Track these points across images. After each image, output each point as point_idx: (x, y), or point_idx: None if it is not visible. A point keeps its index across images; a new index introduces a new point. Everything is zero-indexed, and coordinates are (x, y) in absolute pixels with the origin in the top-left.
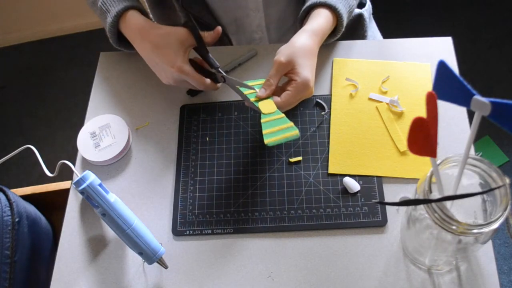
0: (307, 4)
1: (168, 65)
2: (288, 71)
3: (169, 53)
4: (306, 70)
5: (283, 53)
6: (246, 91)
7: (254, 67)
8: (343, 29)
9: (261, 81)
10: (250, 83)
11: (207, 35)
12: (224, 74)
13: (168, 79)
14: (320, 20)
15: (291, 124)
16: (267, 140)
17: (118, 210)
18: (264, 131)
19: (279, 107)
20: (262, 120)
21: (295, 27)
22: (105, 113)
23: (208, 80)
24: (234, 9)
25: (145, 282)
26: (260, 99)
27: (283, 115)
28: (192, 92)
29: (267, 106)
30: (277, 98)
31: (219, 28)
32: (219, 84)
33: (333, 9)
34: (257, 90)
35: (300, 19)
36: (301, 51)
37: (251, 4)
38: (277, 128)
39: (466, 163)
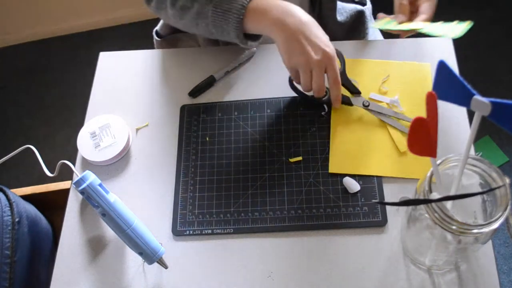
0: None
1: (322, 43)
2: None
3: (321, 32)
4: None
5: None
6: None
7: (254, 67)
8: None
9: (388, 19)
10: (382, 24)
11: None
12: (367, 100)
13: (316, 57)
14: None
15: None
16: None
17: (118, 210)
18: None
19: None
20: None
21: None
22: (105, 113)
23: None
24: None
25: (145, 282)
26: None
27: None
28: (194, 93)
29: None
30: (422, 17)
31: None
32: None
33: None
34: (391, 23)
35: None
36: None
37: None
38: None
39: (466, 163)
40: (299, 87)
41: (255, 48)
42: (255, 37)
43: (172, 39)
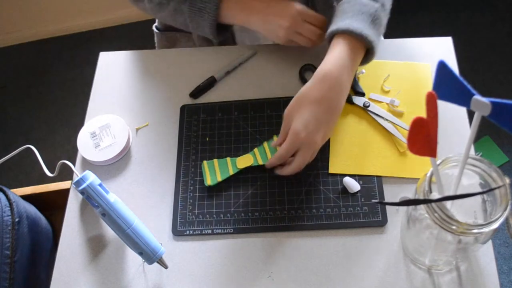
0: (328, 32)
1: (286, 8)
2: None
3: (285, 2)
4: (296, 120)
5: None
6: None
7: (254, 67)
8: (374, 56)
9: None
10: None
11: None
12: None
13: (285, 29)
14: (335, 54)
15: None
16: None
17: (118, 210)
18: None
19: (268, 164)
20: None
21: None
22: (105, 113)
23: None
24: None
25: (145, 282)
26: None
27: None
28: (195, 94)
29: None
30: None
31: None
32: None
33: (355, 35)
34: None
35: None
36: (299, 101)
37: None
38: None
39: (466, 163)
40: None
41: (255, 50)
42: (224, 31)
43: (171, 36)
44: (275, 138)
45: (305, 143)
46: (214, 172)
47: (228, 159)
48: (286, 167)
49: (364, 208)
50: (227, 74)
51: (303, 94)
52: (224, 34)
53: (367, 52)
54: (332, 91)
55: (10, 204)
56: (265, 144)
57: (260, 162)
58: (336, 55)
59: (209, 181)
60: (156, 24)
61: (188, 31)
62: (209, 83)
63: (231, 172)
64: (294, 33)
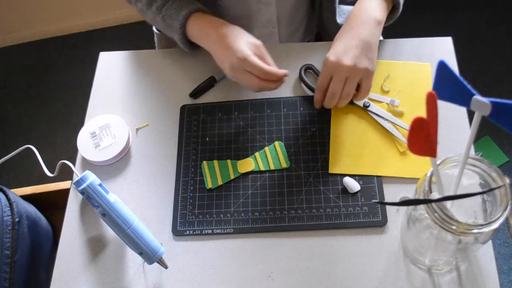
0: None
1: (233, 51)
2: None
3: (237, 40)
4: (333, 49)
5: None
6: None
7: None
8: (399, 13)
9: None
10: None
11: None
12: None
13: (231, 67)
14: (366, 4)
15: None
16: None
17: (118, 210)
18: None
19: (316, 100)
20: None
21: (305, 22)
22: (105, 113)
23: (276, 70)
24: (244, 3)
25: (145, 282)
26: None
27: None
28: (195, 94)
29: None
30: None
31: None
32: (284, 76)
33: None
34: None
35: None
36: (338, 37)
37: None
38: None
39: (466, 163)
40: (309, 83)
41: None
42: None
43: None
44: (276, 144)
45: (342, 68)
46: (215, 174)
47: (229, 161)
48: (340, 100)
49: (364, 208)
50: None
51: (335, 38)
52: (198, 46)
53: (393, 8)
54: (364, 29)
55: (10, 204)
56: (266, 149)
57: (261, 167)
58: (367, 4)
59: (210, 184)
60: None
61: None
62: (209, 83)
63: (232, 176)
64: (235, 77)
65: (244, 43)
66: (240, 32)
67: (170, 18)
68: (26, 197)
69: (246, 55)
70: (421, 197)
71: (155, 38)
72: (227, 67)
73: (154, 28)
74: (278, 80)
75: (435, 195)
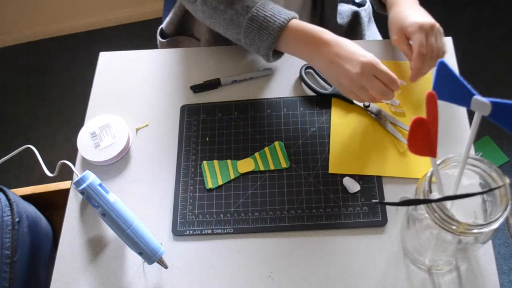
0: None
1: (357, 56)
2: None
3: (358, 47)
4: (409, 18)
5: (392, 32)
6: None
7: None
8: None
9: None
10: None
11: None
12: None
13: (350, 78)
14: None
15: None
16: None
17: (118, 210)
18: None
19: (414, 72)
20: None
21: (310, 18)
22: (105, 113)
23: (397, 78)
24: None
25: (145, 282)
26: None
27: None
28: (196, 89)
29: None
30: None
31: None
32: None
33: None
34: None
35: None
36: (399, 17)
37: None
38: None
39: (466, 163)
40: (310, 83)
41: (271, 69)
42: (280, 54)
43: (174, 41)
44: (276, 144)
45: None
46: (215, 174)
47: (229, 161)
48: (435, 59)
49: (364, 208)
50: (234, 83)
51: (397, 12)
52: (278, 56)
53: None
54: (414, 1)
55: (10, 204)
56: (266, 149)
57: (261, 167)
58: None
59: (210, 184)
60: (163, 25)
61: (237, 44)
62: (213, 84)
63: (232, 177)
64: (358, 86)
65: (357, 46)
66: (350, 41)
67: (264, 19)
68: (26, 197)
69: (376, 60)
70: (421, 197)
71: (158, 45)
72: (352, 73)
73: (158, 36)
74: (394, 91)
75: (435, 195)
